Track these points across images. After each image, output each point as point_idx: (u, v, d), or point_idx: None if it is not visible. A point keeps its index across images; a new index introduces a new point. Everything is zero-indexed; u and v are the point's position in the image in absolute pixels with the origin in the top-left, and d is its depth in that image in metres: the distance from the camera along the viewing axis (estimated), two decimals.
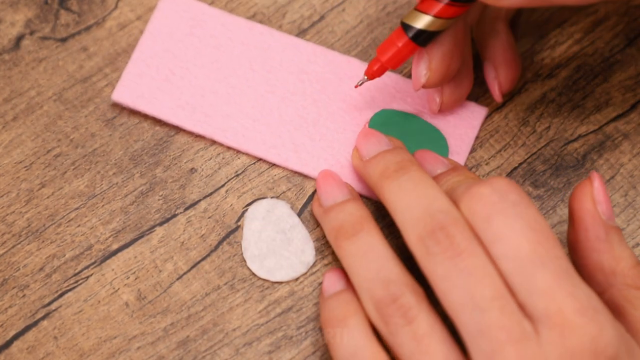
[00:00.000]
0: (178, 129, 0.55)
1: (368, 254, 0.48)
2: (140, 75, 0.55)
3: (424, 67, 0.51)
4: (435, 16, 0.49)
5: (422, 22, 0.50)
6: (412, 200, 0.47)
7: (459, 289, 0.44)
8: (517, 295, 0.44)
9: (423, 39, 0.50)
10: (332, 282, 0.51)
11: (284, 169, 0.54)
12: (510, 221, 0.44)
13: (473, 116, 0.55)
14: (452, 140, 0.54)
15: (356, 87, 0.53)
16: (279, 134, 0.54)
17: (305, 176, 0.54)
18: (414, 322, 0.46)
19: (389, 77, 0.55)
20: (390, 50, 0.51)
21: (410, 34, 0.50)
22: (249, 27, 0.56)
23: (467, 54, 0.53)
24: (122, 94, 0.54)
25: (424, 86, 0.51)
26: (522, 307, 0.44)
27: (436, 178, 0.50)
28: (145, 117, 0.55)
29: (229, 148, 0.54)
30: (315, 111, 0.55)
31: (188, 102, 0.54)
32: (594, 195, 0.47)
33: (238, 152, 0.54)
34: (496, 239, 0.45)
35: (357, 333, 0.48)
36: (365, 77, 0.52)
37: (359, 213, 0.50)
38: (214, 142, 0.55)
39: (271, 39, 0.56)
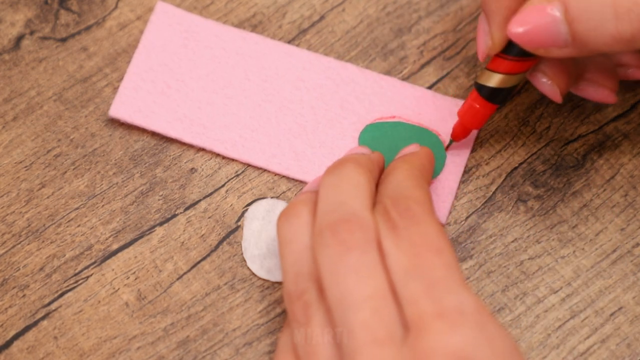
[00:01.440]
0: None
1: (292, 241, 0.48)
2: (137, 89, 0.55)
3: (548, 85, 0.51)
4: (505, 73, 0.50)
5: (493, 80, 0.50)
6: (332, 195, 0.48)
7: (341, 284, 0.45)
8: (400, 306, 0.44)
9: (500, 97, 0.51)
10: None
11: None
12: (397, 240, 0.46)
13: None
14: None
15: (447, 149, 0.54)
16: (279, 143, 0.54)
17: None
18: (309, 322, 0.46)
19: (386, 81, 0.55)
20: (470, 112, 0.52)
21: (485, 94, 0.51)
22: (242, 36, 0.56)
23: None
24: (119, 109, 0.54)
25: (562, 97, 0.51)
26: (402, 317, 0.44)
27: (394, 161, 0.51)
28: None
29: None
30: (313, 118, 0.55)
31: (185, 114, 0.54)
32: None
33: None
34: (387, 255, 0.46)
35: (282, 339, 0.48)
36: (452, 140, 0.53)
37: (305, 198, 0.49)
38: None
39: (265, 47, 0.56)
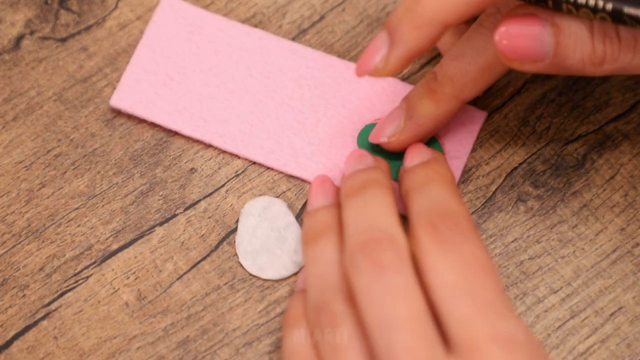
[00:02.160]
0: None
1: (319, 260, 0.48)
2: (139, 80, 0.55)
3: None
4: None
5: None
6: (360, 217, 0.47)
7: (376, 305, 0.44)
8: (443, 324, 0.44)
9: None
10: (300, 281, 0.51)
11: None
12: (446, 256, 0.45)
13: (472, 120, 0.54)
14: (451, 144, 0.54)
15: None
16: (277, 139, 0.54)
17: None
18: (337, 331, 0.45)
19: (388, 82, 0.55)
20: None
21: None
22: (247, 32, 0.56)
23: None
24: (121, 99, 0.54)
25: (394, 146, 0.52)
26: (444, 336, 0.44)
27: (406, 172, 0.51)
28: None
29: None
30: (313, 116, 0.55)
31: (186, 107, 0.54)
32: None
33: None
34: (430, 270, 0.45)
35: (294, 340, 0.48)
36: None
37: (326, 220, 0.49)
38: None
39: (270, 44, 0.56)
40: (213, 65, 0.55)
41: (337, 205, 0.51)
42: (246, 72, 0.55)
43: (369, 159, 0.52)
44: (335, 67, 0.55)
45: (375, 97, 0.55)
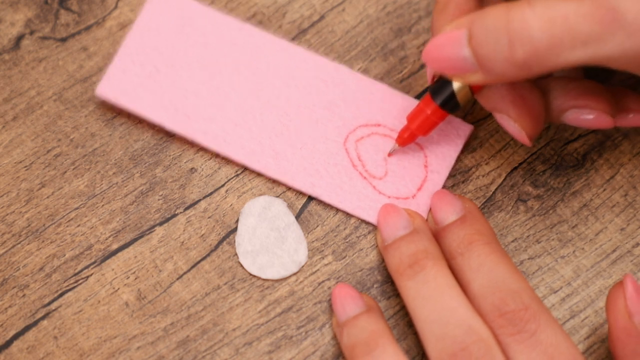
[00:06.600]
0: None
1: None
2: (125, 71, 0.54)
3: (514, 127, 0.50)
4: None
5: (449, 89, 0.50)
6: (431, 313, 0.47)
7: None
8: None
9: (451, 106, 0.50)
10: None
11: None
12: (528, 350, 0.46)
13: (457, 134, 0.54)
14: (433, 157, 0.53)
15: (389, 155, 0.53)
16: (260, 140, 0.53)
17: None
18: None
19: (377, 87, 0.55)
20: (420, 117, 0.51)
21: (438, 101, 0.50)
22: (239, 27, 0.55)
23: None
24: (106, 89, 0.54)
25: (531, 140, 0.50)
26: None
27: (443, 230, 0.50)
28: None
29: None
30: (298, 118, 0.54)
31: (171, 101, 0.54)
32: (628, 307, 0.46)
33: None
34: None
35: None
36: (397, 145, 0.52)
37: (372, 328, 0.49)
38: None
39: (261, 41, 0.55)
40: (201, 59, 0.55)
41: (374, 310, 0.50)
42: (234, 68, 0.55)
43: (404, 220, 0.51)
44: (324, 68, 0.55)
45: (362, 102, 0.54)
